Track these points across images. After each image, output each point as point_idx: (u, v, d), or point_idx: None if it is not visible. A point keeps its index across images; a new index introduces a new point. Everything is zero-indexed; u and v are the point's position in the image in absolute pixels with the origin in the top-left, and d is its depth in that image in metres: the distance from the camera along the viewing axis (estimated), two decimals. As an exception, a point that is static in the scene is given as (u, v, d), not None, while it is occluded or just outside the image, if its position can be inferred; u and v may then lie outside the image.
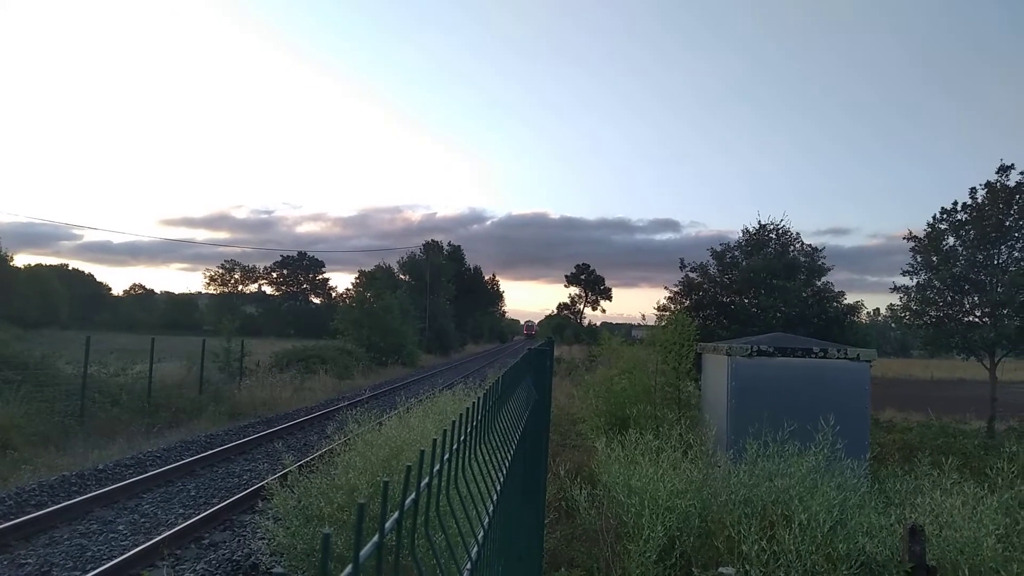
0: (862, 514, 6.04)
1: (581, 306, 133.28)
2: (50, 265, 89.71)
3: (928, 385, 42.93)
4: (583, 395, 14.91)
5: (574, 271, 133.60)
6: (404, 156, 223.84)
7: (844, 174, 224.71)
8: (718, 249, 26.55)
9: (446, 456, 1.21)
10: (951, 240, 21.87)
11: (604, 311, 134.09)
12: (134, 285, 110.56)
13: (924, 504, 6.31)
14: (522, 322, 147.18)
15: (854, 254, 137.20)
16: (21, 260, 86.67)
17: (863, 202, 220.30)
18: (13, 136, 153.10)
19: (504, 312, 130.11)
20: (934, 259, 21.70)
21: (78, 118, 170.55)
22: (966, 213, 21.33)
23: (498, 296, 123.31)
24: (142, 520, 9.16)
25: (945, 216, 21.82)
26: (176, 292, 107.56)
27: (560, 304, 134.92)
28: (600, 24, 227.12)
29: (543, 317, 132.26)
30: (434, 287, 65.65)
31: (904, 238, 22.76)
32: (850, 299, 25.13)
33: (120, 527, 8.82)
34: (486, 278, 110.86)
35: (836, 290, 24.97)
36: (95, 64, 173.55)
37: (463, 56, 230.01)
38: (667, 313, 21.80)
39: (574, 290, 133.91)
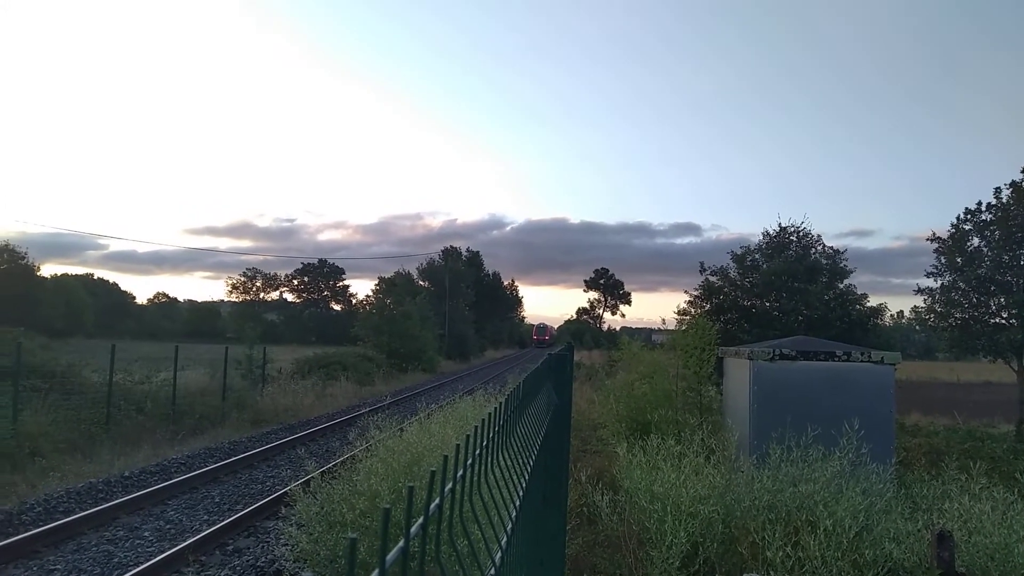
0: (889, 519, 5.97)
1: (600, 311, 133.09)
2: (76, 275, 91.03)
3: (954, 388, 42.27)
4: (603, 400, 14.85)
5: (593, 276, 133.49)
6: (425, 163, 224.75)
7: (867, 175, 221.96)
8: (738, 252, 26.40)
9: (469, 462, 1.21)
10: (976, 241, 21.61)
11: (623, 316, 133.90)
12: (158, 294, 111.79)
13: (952, 509, 6.21)
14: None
15: (877, 256, 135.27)
16: (48, 270, 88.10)
17: (886, 203, 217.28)
18: (41, 148, 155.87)
19: (523, 317, 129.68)
20: (959, 260, 21.45)
21: (105, 130, 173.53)
22: (991, 213, 21.07)
23: (517, 301, 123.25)
24: (167, 526, 9.26)
25: (969, 216, 21.57)
26: (199, 300, 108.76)
27: (579, 309, 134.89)
28: (618, 26, 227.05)
29: (562, 322, 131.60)
30: (453, 293, 65.81)
31: (928, 239, 22.54)
32: (873, 301, 24.87)
33: (146, 533, 8.92)
34: (505, 284, 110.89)
35: (859, 292, 24.73)
36: (120, 77, 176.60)
37: (484, 63, 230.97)
38: (687, 317, 21.69)
39: (593, 295, 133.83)
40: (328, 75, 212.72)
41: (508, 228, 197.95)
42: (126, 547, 8.38)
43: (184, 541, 8.33)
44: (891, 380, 9.37)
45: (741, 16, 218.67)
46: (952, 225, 21.93)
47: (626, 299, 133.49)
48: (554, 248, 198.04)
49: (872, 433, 7.92)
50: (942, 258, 22.01)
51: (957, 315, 21.51)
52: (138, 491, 10.56)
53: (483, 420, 1.43)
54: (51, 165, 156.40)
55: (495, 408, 1.62)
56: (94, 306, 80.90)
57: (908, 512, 6.42)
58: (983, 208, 21.28)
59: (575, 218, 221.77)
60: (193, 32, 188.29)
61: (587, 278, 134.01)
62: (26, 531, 8.42)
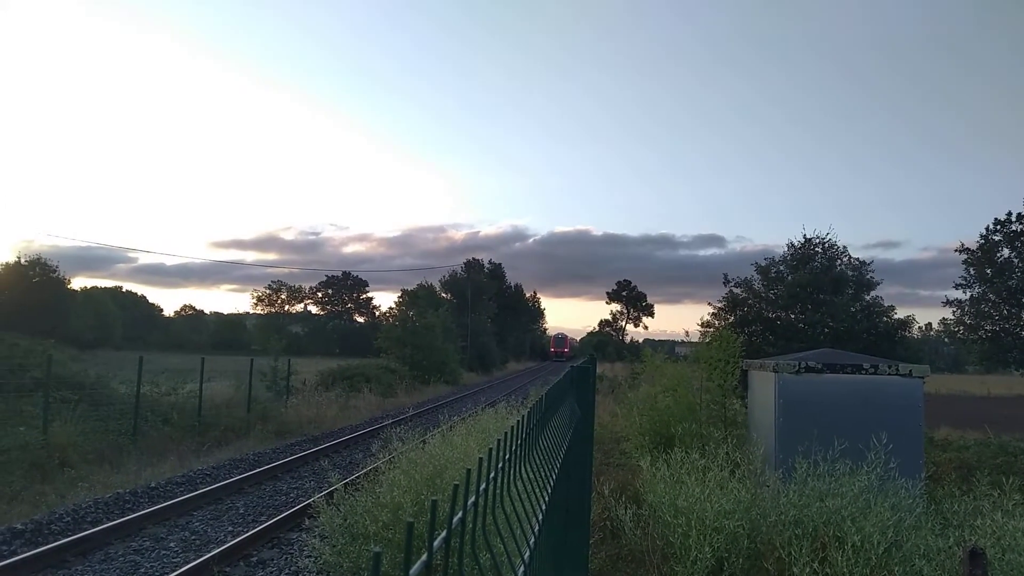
0: (918, 536, 5.85)
1: (623, 323, 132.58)
2: (105, 287, 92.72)
3: (985, 402, 41.38)
4: (626, 413, 14.75)
5: (615, 288, 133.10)
6: (449, 176, 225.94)
7: (893, 186, 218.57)
8: (763, 264, 26.20)
9: (491, 475, 1.22)
10: (1006, 252, 21.25)
11: (646, 328, 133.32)
12: (185, 306, 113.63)
13: (985, 526, 6.08)
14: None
15: (905, 268, 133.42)
16: (78, 283, 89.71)
17: (914, 214, 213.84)
18: (74, 164, 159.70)
19: (545, 329, 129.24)
20: (988, 271, 21.11)
21: (135, 146, 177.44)
22: (1021, 223, 20.70)
23: (539, 313, 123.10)
24: (192, 537, 9.34)
25: (999, 227, 21.22)
26: (225, 312, 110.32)
27: (602, 321, 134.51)
28: (641, 41, 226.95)
29: (585, 334, 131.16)
30: (475, 305, 65.97)
31: (956, 251, 22.22)
32: (901, 314, 24.53)
33: (171, 544, 9.00)
34: (527, 295, 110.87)
35: (886, 304, 24.40)
36: (150, 94, 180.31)
37: (508, 78, 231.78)
38: (711, 329, 21.52)
39: (616, 307, 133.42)
40: (352, 91, 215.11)
41: (531, 240, 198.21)
42: (152, 558, 8.46)
43: (209, 552, 8.38)
44: (920, 393, 9.22)
45: (763, 29, 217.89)
46: (981, 236, 21.61)
47: (649, 311, 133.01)
48: (577, 260, 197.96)
49: (901, 447, 7.79)
50: (971, 269, 21.68)
51: (987, 327, 21.18)
52: (164, 502, 10.66)
53: (505, 433, 1.43)
54: (83, 181, 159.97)
55: (517, 421, 1.62)
56: (123, 318, 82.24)
57: (939, 528, 6.29)
58: (1013, 218, 20.93)
59: (598, 230, 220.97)
60: (219, 47, 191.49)
61: (610, 290, 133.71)
62: (55, 541, 8.53)
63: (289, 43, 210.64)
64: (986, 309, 21.15)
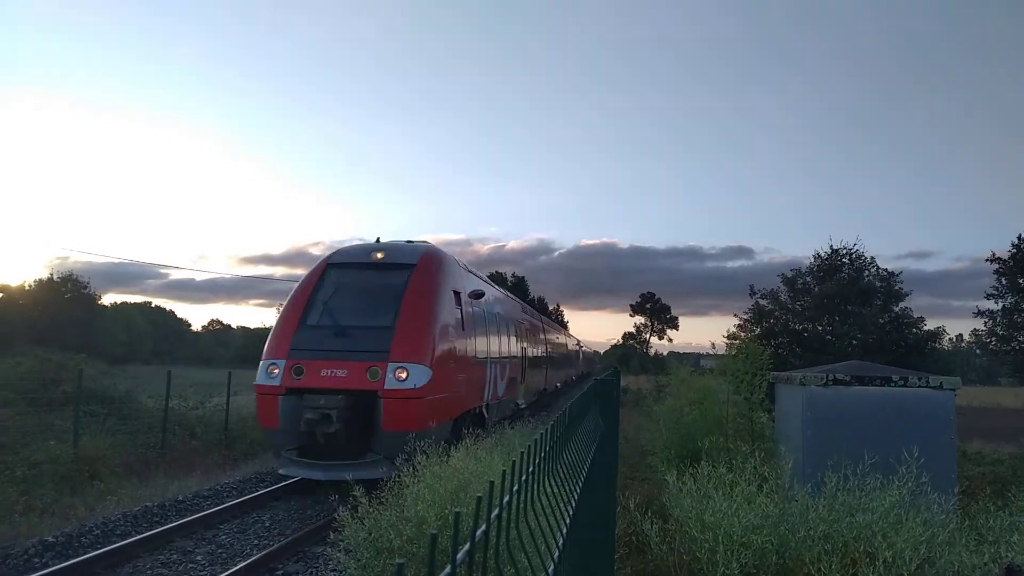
0: (952, 552, 5.73)
1: (647, 335, 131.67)
2: (135, 303, 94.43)
3: (1019, 415, 40.41)
4: (652, 426, 14.65)
5: (639, 300, 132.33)
6: (475, 190, 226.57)
7: (926, 195, 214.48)
8: (788, 275, 25.94)
9: (515, 488, 1.21)
10: (1039, 261, 20.81)
11: (671, 340, 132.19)
12: (212, 321, 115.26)
13: (1022, 542, 5.93)
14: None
15: (937, 278, 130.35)
16: (109, 299, 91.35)
17: (947, 224, 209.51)
18: (108, 183, 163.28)
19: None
20: (1021, 281, 20.68)
21: (167, 166, 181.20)
22: (1055, 232, 20.30)
23: (563, 326, 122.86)
24: (219, 551, 9.39)
25: (1032, 235, 20.80)
26: (252, 327, 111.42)
27: (625, 333, 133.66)
28: (667, 53, 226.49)
29: (608, 347, 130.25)
30: (499, 318, 65.91)
31: (987, 260, 21.80)
32: (932, 325, 24.09)
33: (198, 557, 9.06)
34: (551, 308, 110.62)
35: (915, 316, 24.01)
36: (181, 111, 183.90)
37: (536, 90, 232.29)
38: (737, 342, 21.31)
39: (639, 319, 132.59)
40: (378, 105, 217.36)
41: (556, 253, 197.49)
42: (180, 570, 8.52)
43: (235, 565, 8.41)
44: (951, 406, 9.05)
45: (789, 40, 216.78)
46: (1013, 245, 21.18)
47: (673, 323, 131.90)
48: (602, 273, 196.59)
49: (932, 461, 7.64)
50: (1003, 279, 21.25)
51: (1021, 339, 20.71)
52: (191, 515, 10.73)
53: (529, 446, 1.42)
54: (116, 199, 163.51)
55: (540, 434, 1.62)
56: (152, 333, 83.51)
57: (973, 545, 6.15)
58: (1046, 227, 20.52)
59: (624, 243, 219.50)
60: (244, 62, 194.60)
61: (633, 302, 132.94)
62: (84, 554, 8.62)
63: (312, 58, 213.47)
64: (1019, 320, 20.70)
